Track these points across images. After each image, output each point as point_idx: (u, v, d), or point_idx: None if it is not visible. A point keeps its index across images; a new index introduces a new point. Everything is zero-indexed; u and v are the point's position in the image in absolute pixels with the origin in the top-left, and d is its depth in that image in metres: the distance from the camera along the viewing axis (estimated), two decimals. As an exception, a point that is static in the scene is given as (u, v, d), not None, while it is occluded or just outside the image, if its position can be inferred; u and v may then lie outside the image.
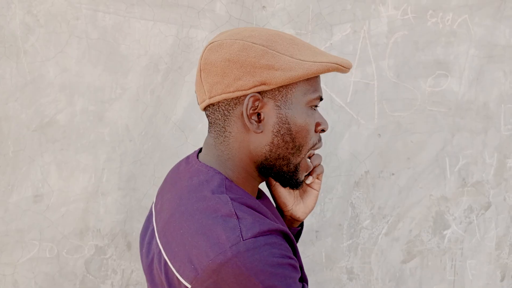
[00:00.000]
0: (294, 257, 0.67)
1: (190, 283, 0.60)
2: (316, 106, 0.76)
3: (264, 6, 1.36)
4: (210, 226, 0.62)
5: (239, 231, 0.61)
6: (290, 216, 0.89)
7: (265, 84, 0.69)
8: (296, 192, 0.89)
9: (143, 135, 1.28)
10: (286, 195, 0.88)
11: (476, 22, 1.53)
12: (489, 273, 1.55)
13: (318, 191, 0.90)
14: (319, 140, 0.80)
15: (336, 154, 1.41)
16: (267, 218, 0.70)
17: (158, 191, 0.79)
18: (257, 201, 0.73)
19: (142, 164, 1.27)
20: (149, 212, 0.81)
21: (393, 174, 1.46)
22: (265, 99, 0.70)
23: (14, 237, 1.19)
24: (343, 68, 0.75)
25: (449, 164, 1.51)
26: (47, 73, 1.19)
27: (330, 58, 0.73)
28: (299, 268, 0.68)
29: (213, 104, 0.72)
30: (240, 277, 0.58)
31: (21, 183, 1.19)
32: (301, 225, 0.97)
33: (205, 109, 0.74)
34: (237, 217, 0.62)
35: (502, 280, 1.57)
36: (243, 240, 0.60)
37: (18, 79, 1.18)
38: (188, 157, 0.78)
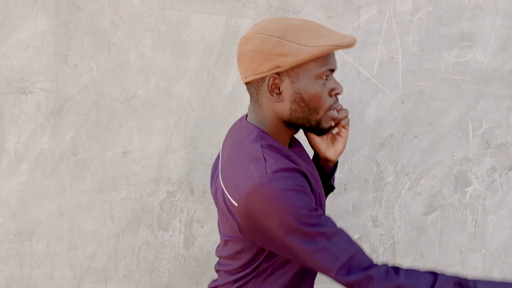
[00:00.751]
0: (308, 188, 0.92)
1: (236, 203, 0.91)
2: (327, 76, 0.94)
3: (298, -6, 1.60)
4: (247, 166, 0.91)
5: (265, 169, 0.89)
6: (324, 158, 1.12)
7: (279, 67, 0.93)
8: (328, 138, 1.11)
9: (202, 106, 1.61)
10: (318, 141, 1.10)
11: (503, -6, 1.62)
12: (511, 227, 1.69)
13: (345, 138, 1.10)
14: (335, 101, 0.98)
15: (363, 120, 1.63)
16: (290, 159, 0.96)
17: (223, 141, 1.10)
18: (285, 147, 0.99)
19: (201, 129, 1.61)
20: (217, 156, 1.14)
21: (416, 137, 1.65)
22: (282, 77, 0.94)
23: (110, 182, 1.60)
24: (342, 47, 0.94)
25: (472, 128, 1.66)
26: (129, 59, 1.57)
27: (331, 41, 0.93)
28: (313, 198, 0.92)
29: (247, 83, 0.99)
30: (264, 199, 0.87)
31: (113, 143, 1.59)
32: (336, 165, 1.19)
33: (245, 83, 1.02)
34: (264, 159, 0.91)
35: (524, 235, 1.69)
36: (266, 174, 0.88)
37: (109, 64, 1.57)
38: (240, 118, 1.08)
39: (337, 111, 1.02)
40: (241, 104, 1.62)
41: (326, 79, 0.95)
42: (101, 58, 1.56)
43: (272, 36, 0.92)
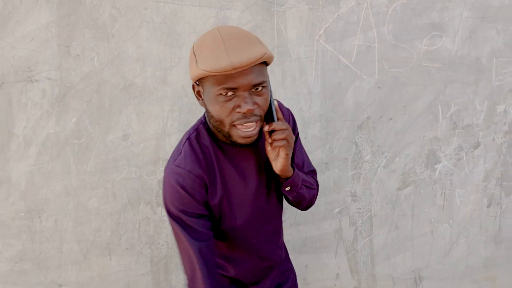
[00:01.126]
0: (196, 191, 1.03)
1: None
2: (225, 94, 0.95)
3: (283, -12, 1.73)
4: (175, 148, 1.11)
5: (174, 159, 1.06)
6: (274, 167, 1.09)
7: (192, 75, 0.98)
8: (277, 151, 1.07)
9: (195, 92, 1.75)
10: (268, 150, 1.07)
11: (470, -13, 1.77)
12: (476, 200, 1.87)
13: (283, 159, 1.06)
14: (243, 117, 0.97)
15: (342, 104, 1.79)
16: (207, 160, 1.07)
17: None
18: (215, 146, 1.08)
19: (194, 113, 1.75)
20: None
21: (391, 119, 1.81)
22: (200, 86, 1.02)
23: (112, 163, 1.75)
24: (212, 72, 0.92)
25: (441, 110, 1.82)
26: (127, 50, 1.70)
27: (206, 66, 0.93)
28: (195, 200, 1.04)
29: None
30: (163, 179, 1.07)
31: (114, 127, 1.73)
32: (291, 178, 1.11)
33: None
34: (180, 152, 1.07)
35: (488, 206, 1.88)
36: (171, 164, 1.06)
37: (108, 55, 1.69)
38: None
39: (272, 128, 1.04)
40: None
41: (227, 96, 0.96)
42: (101, 49, 1.68)
43: (193, 49, 1.01)
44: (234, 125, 0.99)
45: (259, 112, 1.00)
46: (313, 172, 1.31)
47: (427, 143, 1.83)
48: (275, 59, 1.74)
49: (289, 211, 1.81)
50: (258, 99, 0.98)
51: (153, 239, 1.79)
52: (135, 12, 1.68)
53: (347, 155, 1.81)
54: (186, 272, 1.07)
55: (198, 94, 1.05)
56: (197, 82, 1.03)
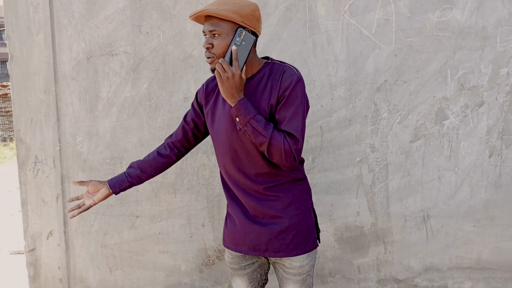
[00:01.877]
0: (200, 94, 1.51)
1: None
2: (204, 35, 1.36)
3: (313, -29, 2.05)
4: None
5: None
6: None
7: None
8: None
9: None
10: None
11: (479, -36, 2.03)
12: (479, 152, 2.19)
13: (219, 81, 1.33)
14: (206, 50, 1.35)
15: (363, 69, 2.12)
16: (213, 84, 1.50)
17: None
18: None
19: (240, 79, 2.14)
20: None
21: (405, 82, 2.13)
22: None
23: (176, 120, 2.18)
24: (191, 16, 1.36)
25: (450, 74, 2.13)
26: (186, 27, 2.09)
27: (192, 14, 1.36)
28: (196, 100, 1.52)
29: None
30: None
31: (177, 91, 2.15)
32: (236, 104, 1.36)
33: None
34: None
35: (490, 156, 2.20)
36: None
37: (171, 32, 2.09)
38: None
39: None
40: (270, 59, 2.13)
41: (205, 36, 1.37)
42: (166, 27, 2.08)
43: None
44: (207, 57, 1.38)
45: (214, 51, 1.34)
46: (288, 135, 1.33)
47: (437, 102, 2.15)
48: (307, 32, 2.09)
49: (317, 160, 2.20)
50: (214, 42, 1.34)
51: (208, 181, 2.24)
52: (192, -4, 2.06)
53: (367, 113, 2.17)
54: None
55: None
56: None
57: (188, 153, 2.22)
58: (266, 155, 1.35)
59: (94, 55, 2.11)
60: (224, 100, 1.42)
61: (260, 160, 1.40)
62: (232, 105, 1.34)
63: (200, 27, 2.07)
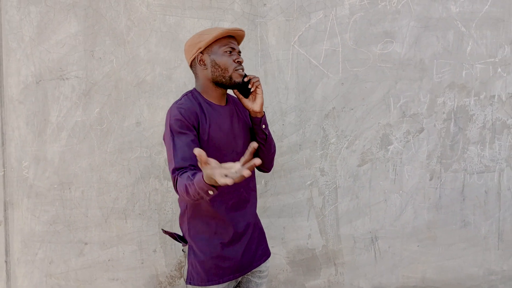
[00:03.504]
0: (188, 120, 1.42)
1: None
2: (230, 51, 1.50)
3: (264, 4, 2.15)
4: (172, 105, 1.50)
5: (176, 103, 1.48)
6: (253, 111, 1.57)
7: (200, 48, 1.52)
8: (252, 98, 1.57)
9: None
10: (246, 101, 1.57)
11: (415, 2, 2.21)
12: (421, 175, 2.32)
13: (261, 94, 1.56)
14: (238, 65, 1.51)
15: (313, 97, 2.22)
16: (200, 106, 1.50)
17: None
18: (207, 100, 1.52)
19: (194, 105, 2.17)
20: None
21: (352, 109, 2.25)
22: (204, 55, 1.53)
23: (127, 145, 2.17)
24: (227, 32, 1.50)
25: (393, 102, 2.26)
26: (139, 53, 2.11)
27: (222, 29, 1.50)
28: (187, 124, 1.42)
29: (190, 66, 1.58)
30: (166, 115, 1.46)
31: (129, 115, 2.15)
32: (264, 117, 1.61)
33: (191, 68, 1.59)
34: (180, 99, 1.50)
35: (430, 179, 2.33)
36: (175, 104, 1.47)
37: (124, 57, 2.10)
38: None
39: (250, 80, 1.55)
40: (223, 86, 2.19)
41: (230, 53, 1.52)
42: (119, 53, 2.09)
43: (196, 34, 1.56)
44: (235, 69, 1.51)
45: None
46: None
47: (381, 128, 2.27)
48: (259, 60, 2.17)
49: (269, 184, 2.25)
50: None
51: (160, 206, 2.22)
52: (146, 23, 2.09)
53: (317, 138, 2.25)
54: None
55: (201, 62, 1.52)
56: (200, 52, 1.52)
57: (140, 178, 2.21)
58: (270, 159, 1.67)
59: (44, 79, 2.08)
60: (230, 116, 1.56)
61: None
62: (260, 115, 1.58)
63: (152, 54, 2.10)
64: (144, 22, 2.09)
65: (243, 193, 1.58)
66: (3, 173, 2.12)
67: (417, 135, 2.30)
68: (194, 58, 1.53)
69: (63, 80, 2.08)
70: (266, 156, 1.66)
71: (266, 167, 1.71)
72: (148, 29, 2.09)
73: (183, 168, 1.36)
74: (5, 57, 2.06)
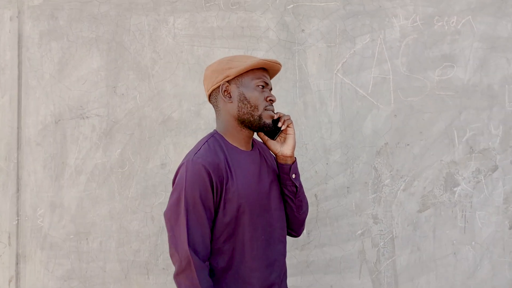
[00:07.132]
0: (200, 184, 1.17)
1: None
2: (262, 86, 1.29)
3: (303, 30, 1.93)
4: (191, 151, 1.26)
5: (194, 154, 1.21)
6: (282, 155, 1.34)
7: (228, 76, 1.28)
8: (281, 140, 1.36)
9: (225, 124, 1.94)
10: (274, 143, 1.35)
11: (478, 20, 1.91)
12: (498, 222, 1.92)
13: (293, 134, 1.34)
14: (269, 105, 1.30)
15: (361, 131, 1.92)
16: (224, 154, 1.24)
17: None
18: (233, 146, 1.28)
19: (225, 143, 1.93)
20: None
21: (408, 144, 1.92)
22: (231, 85, 1.29)
23: (151, 189, 1.93)
24: (263, 63, 1.28)
25: (457, 135, 1.92)
26: (165, 88, 1.92)
27: (258, 59, 1.28)
28: (208, 198, 1.19)
29: (210, 96, 1.33)
30: (180, 173, 1.22)
31: (153, 156, 1.93)
32: (295, 163, 1.37)
33: (209, 99, 1.35)
34: (199, 149, 1.23)
35: (510, 228, 1.92)
36: (192, 157, 1.20)
37: (149, 93, 1.92)
38: None
39: (280, 117, 1.34)
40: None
41: (263, 89, 1.30)
42: (143, 88, 1.91)
43: (224, 59, 1.33)
44: (265, 109, 1.30)
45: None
46: None
47: (445, 167, 1.92)
48: (297, 92, 1.91)
49: (313, 234, 1.92)
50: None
51: (187, 260, 1.94)
52: (172, 55, 1.91)
53: (368, 179, 1.93)
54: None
55: (226, 93, 1.29)
56: (227, 81, 1.28)
57: (165, 227, 1.95)
58: (301, 220, 1.41)
59: (63, 118, 1.91)
60: (259, 164, 1.34)
61: (284, 220, 1.39)
62: (291, 161, 1.35)
63: (179, 88, 1.90)
64: (170, 54, 1.91)
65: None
66: (16, 222, 1.93)
67: (489, 174, 1.92)
68: (218, 86, 1.29)
69: (83, 119, 1.91)
70: (296, 215, 1.38)
71: (294, 229, 1.42)
72: (174, 62, 1.91)
73: (198, 254, 1.18)
74: (24, 95, 1.93)
